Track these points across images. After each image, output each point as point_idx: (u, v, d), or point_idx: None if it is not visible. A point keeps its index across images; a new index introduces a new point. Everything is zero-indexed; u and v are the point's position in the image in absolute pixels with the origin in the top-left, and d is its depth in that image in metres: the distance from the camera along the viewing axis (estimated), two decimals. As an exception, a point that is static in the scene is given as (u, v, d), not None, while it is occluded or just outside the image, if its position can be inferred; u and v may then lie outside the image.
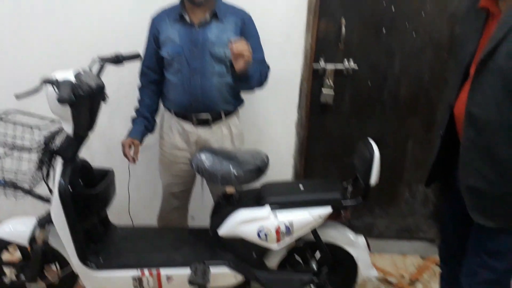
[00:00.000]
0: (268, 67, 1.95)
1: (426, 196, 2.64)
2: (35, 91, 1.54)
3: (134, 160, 2.00)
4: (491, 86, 1.21)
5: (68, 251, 1.76)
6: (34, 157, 1.70)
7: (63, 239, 1.74)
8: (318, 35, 2.30)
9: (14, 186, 1.74)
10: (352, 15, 2.28)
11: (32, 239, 1.81)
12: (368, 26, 2.30)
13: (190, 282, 1.71)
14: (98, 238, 1.89)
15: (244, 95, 2.08)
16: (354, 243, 1.87)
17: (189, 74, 1.86)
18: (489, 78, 1.22)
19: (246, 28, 1.89)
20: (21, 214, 2.01)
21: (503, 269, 1.34)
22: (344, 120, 2.48)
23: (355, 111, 2.46)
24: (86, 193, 1.76)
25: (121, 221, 2.16)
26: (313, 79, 2.36)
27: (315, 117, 2.46)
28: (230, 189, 1.84)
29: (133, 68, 2.02)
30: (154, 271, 1.77)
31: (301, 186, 1.85)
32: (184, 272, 1.76)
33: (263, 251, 1.84)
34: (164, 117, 2.05)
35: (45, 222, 1.79)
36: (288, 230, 1.72)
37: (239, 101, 2.04)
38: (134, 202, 2.25)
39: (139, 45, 1.99)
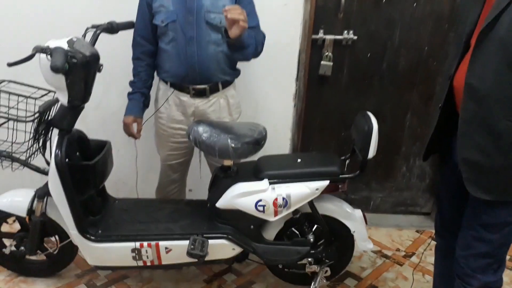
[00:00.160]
0: (263, 35, 1.91)
1: (423, 170, 2.65)
2: (28, 59, 1.52)
3: (138, 137, 2.01)
4: (492, 57, 1.20)
5: (66, 222, 1.77)
6: (30, 128, 1.69)
7: (61, 210, 1.74)
8: (317, 4, 2.25)
9: (10, 157, 1.73)
10: (352, -16, 2.23)
11: (31, 211, 1.82)
12: (368, -5, 2.25)
13: (189, 253, 1.73)
14: (97, 210, 1.89)
15: (242, 67, 2.05)
16: (351, 216, 1.89)
17: (184, 43, 1.82)
18: (489, 49, 1.20)
19: None
20: (19, 187, 2.01)
21: (498, 242, 1.35)
22: (342, 92, 2.46)
23: (353, 83, 2.44)
24: (83, 164, 1.76)
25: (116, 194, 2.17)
26: (311, 50, 2.32)
27: (313, 89, 2.44)
28: (227, 162, 1.83)
29: (128, 38, 1.97)
30: (153, 243, 1.79)
31: (298, 159, 1.85)
32: (183, 243, 1.77)
33: (261, 223, 1.86)
34: (160, 89, 2.01)
35: (43, 194, 1.79)
36: (286, 202, 1.73)
37: (236, 72, 2.01)
38: (129, 175, 2.25)
39: (133, 13, 1.94)
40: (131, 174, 2.23)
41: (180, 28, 1.81)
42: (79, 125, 1.79)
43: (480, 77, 1.23)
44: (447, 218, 1.60)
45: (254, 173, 1.81)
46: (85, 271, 2.12)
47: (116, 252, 1.81)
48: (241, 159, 1.83)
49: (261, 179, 1.76)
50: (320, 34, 2.30)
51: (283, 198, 1.72)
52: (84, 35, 1.75)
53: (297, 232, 1.90)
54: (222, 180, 1.84)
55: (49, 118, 1.73)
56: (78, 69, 1.56)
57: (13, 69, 1.54)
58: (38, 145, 1.76)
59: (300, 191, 1.73)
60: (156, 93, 2.04)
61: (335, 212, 1.88)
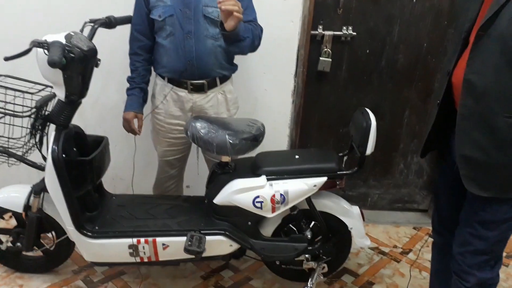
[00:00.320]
0: (261, 29, 1.89)
1: (421, 167, 2.66)
2: (25, 53, 1.51)
3: (139, 132, 2.01)
4: (491, 53, 1.20)
5: (63, 218, 1.76)
6: (27, 123, 1.68)
7: (58, 206, 1.73)
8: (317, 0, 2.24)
9: (6, 152, 1.72)
10: (351, -20, 2.22)
11: (27, 207, 1.81)
12: (368, -9, 2.25)
13: (186, 250, 1.73)
14: (94, 206, 1.89)
15: (240, 63, 2.05)
16: (348, 213, 1.88)
17: (182, 38, 1.81)
18: (489, 45, 1.20)
19: None
20: (15, 182, 2.00)
21: (495, 239, 1.36)
22: (341, 88, 2.46)
23: (352, 80, 2.44)
24: (80, 160, 1.75)
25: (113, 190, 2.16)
26: (310, 46, 2.31)
27: (312, 85, 2.43)
28: (225, 158, 1.83)
29: (127, 33, 1.96)
30: (150, 239, 1.78)
31: (296, 155, 1.85)
32: (180, 240, 1.77)
33: (258, 220, 1.85)
34: (157, 85, 2.00)
35: (40, 189, 1.79)
36: (284, 199, 1.72)
37: (233, 67, 2.00)
38: (127, 171, 2.25)
39: (131, 8, 1.93)
40: (128, 170, 2.22)
41: (177, 23, 1.80)
42: (76, 120, 1.78)
43: (479, 73, 1.23)
44: (444, 215, 1.61)
45: (252, 169, 1.80)
46: (82, 267, 2.12)
47: (113, 248, 1.80)
48: (239, 155, 1.83)
49: (259, 175, 1.76)
50: (319, 30, 2.29)
51: (281, 195, 1.72)
52: (82, 30, 1.73)
53: (295, 229, 1.90)
54: (219, 176, 1.84)
55: (46, 113, 1.72)
56: (76, 64, 1.55)
57: (10, 63, 1.53)
58: (35, 140, 1.75)
59: (298, 188, 1.73)
60: (153, 89, 2.03)
61: (332, 208, 1.88)
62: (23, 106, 1.64)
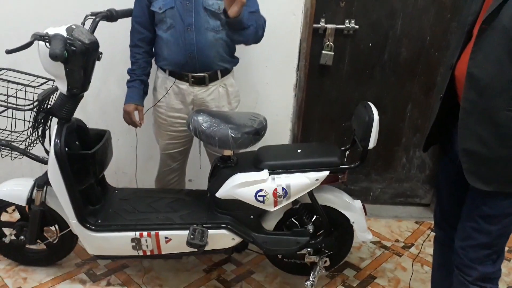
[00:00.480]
0: (264, 20, 1.87)
1: (423, 161, 2.65)
2: (26, 46, 1.50)
3: (140, 124, 2.01)
4: (494, 46, 1.19)
5: (66, 212, 1.77)
6: (29, 117, 1.68)
7: (60, 200, 1.74)
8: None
9: (9, 146, 1.73)
10: (354, -27, 2.21)
11: (30, 200, 1.82)
12: (371, -16, 2.23)
13: (189, 243, 1.74)
14: (96, 200, 1.90)
15: (242, 56, 2.04)
16: (350, 207, 1.89)
17: (183, 30, 1.81)
18: (492, 38, 1.19)
19: None
20: (18, 176, 2.01)
21: (497, 233, 1.35)
22: (343, 82, 2.45)
23: (354, 73, 2.43)
24: (83, 154, 1.75)
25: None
26: (312, 40, 2.30)
27: (314, 79, 2.42)
28: (227, 152, 1.83)
29: (128, 26, 1.96)
30: (152, 233, 1.79)
31: (298, 149, 1.85)
32: (183, 233, 1.78)
33: (260, 213, 1.86)
34: (158, 78, 2.00)
35: (42, 183, 1.79)
36: (286, 193, 1.72)
37: (234, 60, 1.99)
38: (129, 165, 2.25)
39: (133, 1, 1.92)
40: (130, 164, 2.23)
41: (178, 15, 1.79)
42: (78, 114, 1.78)
43: (482, 67, 1.22)
44: (446, 209, 1.60)
45: (254, 163, 1.80)
46: (85, 261, 2.13)
47: (116, 242, 1.81)
48: (241, 149, 1.83)
49: (261, 169, 1.76)
50: (322, 23, 2.28)
51: (283, 189, 1.72)
52: (83, 23, 1.73)
53: (297, 223, 1.90)
54: (222, 170, 1.84)
55: (48, 106, 1.72)
56: (77, 57, 1.55)
57: (12, 57, 1.53)
58: (37, 134, 1.75)
59: (300, 182, 1.73)
60: (154, 82, 2.03)
61: (334, 202, 1.88)
62: (25, 99, 1.65)
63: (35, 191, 1.80)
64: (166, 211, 1.90)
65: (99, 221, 1.82)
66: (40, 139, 1.78)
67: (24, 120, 1.68)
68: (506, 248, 1.45)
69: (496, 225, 1.34)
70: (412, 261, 2.27)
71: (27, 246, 1.97)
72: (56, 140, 1.66)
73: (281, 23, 2.19)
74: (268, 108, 2.37)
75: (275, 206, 1.75)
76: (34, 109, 1.66)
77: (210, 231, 1.79)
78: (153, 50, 1.97)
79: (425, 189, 2.73)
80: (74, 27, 1.57)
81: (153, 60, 2.00)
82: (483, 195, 1.32)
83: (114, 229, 1.80)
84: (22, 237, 1.90)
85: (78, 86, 1.63)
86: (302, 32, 2.25)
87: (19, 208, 1.92)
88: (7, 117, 1.65)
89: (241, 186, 1.74)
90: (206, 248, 1.78)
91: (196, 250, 1.77)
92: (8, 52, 1.50)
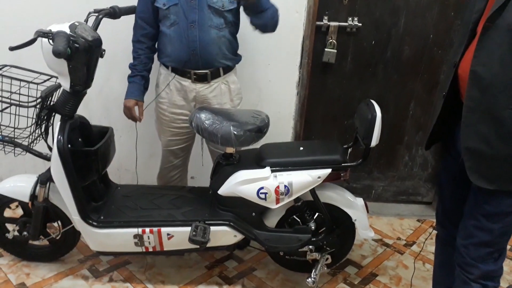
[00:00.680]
0: (276, 9, 1.87)
1: (426, 160, 2.65)
2: (30, 43, 1.51)
3: (140, 120, 2.01)
4: (498, 44, 1.18)
5: (69, 208, 1.77)
6: (32, 113, 1.69)
7: (63, 196, 1.75)
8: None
9: (12, 142, 1.73)
10: (357, -29, 2.20)
11: (33, 197, 1.82)
12: (374, -18, 2.23)
13: (191, 240, 1.74)
14: (99, 196, 1.90)
15: (244, 54, 2.04)
16: (352, 205, 1.89)
17: (186, 27, 1.81)
18: (496, 36, 1.19)
19: None
20: (21, 172, 2.02)
21: (499, 231, 1.35)
22: (346, 80, 2.45)
23: (357, 71, 2.43)
24: (86, 150, 1.76)
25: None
26: (315, 37, 2.30)
27: (317, 77, 2.42)
28: (230, 150, 1.83)
29: (131, 23, 1.96)
30: (155, 229, 1.80)
31: (301, 147, 1.85)
32: (185, 230, 1.78)
33: (262, 211, 1.86)
34: (161, 74, 2.00)
35: (46, 179, 1.80)
36: (288, 190, 1.73)
37: (237, 57, 2.00)
38: (132, 162, 2.26)
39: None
40: (133, 161, 2.23)
41: (182, 12, 1.80)
42: (81, 111, 1.79)
43: (486, 65, 1.21)
44: (448, 207, 1.60)
45: (256, 160, 1.80)
46: (87, 257, 2.14)
47: (118, 238, 1.82)
48: (243, 146, 1.83)
49: (263, 166, 1.76)
50: (325, 21, 2.28)
51: (285, 186, 1.72)
52: (86, 20, 1.73)
53: (299, 220, 1.91)
54: (224, 167, 1.84)
55: (51, 103, 1.73)
56: (80, 54, 1.56)
57: (15, 54, 1.54)
58: (41, 130, 1.76)
59: (302, 179, 1.73)
60: (157, 78, 2.03)
61: (336, 200, 1.88)
62: (28, 96, 1.65)
63: (38, 187, 1.81)
64: (168, 207, 1.91)
65: (102, 217, 1.82)
66: (43, 135, 1.78)
67: (27, 117, 1.69)
68: (508, 247, 1.45)
69: (498, 223, 1.34)
70: (414, 259, 2.27)
71: (30, 242, 1.98)
72: (59, 136, 1.67)
73: (283, 20, 2.17)
74: (270, 105, 2.37)
75: (277, 203, 1.75)
76: (37, 106, 1.66)
77: (212, 228, 1.80)
78: (156, 46, 1.97)
79: (427, 187, 2.73)
80: (77, 24, 1.57)
81: (155, 56, 2.01)
82: (486, 194, 1.32)
83: (116, 226, 1.81)
84: (25, 233, 1.91)
85: (81, 83, 1.63)
86: (305, 30, 2.25)
87: (22, 204, 1.93)
88: (10, 113, 1.65)
89: (243, 183, 1.74)
90: (208, 245, 1.79)
91: (198, 246, 1.78)
92: (12, 49, 1.50)
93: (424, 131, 2.55)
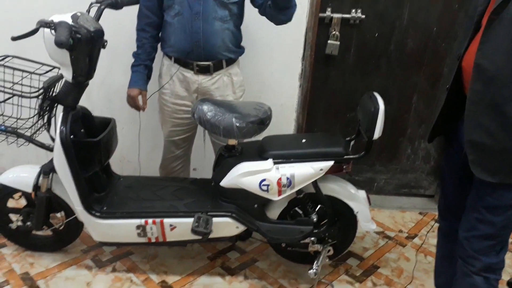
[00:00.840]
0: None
1: (428, 153, 2.64)
2: (32, 33, 1.51)
3: (144, 109, 2.01)
4: (503, 37, 1.18)
5: (72, 199, 1.78)
6: (35, 104, 1.69)
7: (66, 187, 1.75)
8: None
9: (15, 133, 1.74)
10: (361, -38, 2.18)
11: (36, 187, 1.83)
12: (378, -27, 2.21)
13: (193, 231, 1.75)
14: (102, 187, 1.91)
15: (247, 46, 2.03)
16: (354, 197, 1.89)
17: (190, 18, 1.80)
18: (501, 29, 1.18)
19: None
20: (24, 163, 2.02)
21: (501, 224, 1.36)
22: (349, 72, 2.44)
23: (360, 63, 2.42)
24: (88, 141, 1.76)
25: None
26: (318, 29, 2.29)
27: (319, 69, 2.41)
28: (232, 141, 1.83)
29: (133, 14, 1.95)
30: (157, 220, 1.80)
31: (303, 139, 1.85)
32: (187, 221, 1.79)
33: (265, 203, 1.86)
34: (164, 64, 2.00)
35: (48, 170, 1.80)
36: (290, 182, 1.73)
37: (240, 50, 1.99)
38: (134, 153, 2.26)
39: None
40: (135, 152, 2.24)
41: (186, 3, 1.79)
42: (83, 102, 1.79)
43: (490, 58, 1.21)
44: (450, 200, 1.60)
45: (258, 152, 1.81)
46: (90, 247, 2.15)
47: (121, 229, 1.83)
48: (246, 138, 1.83)
49: (265, 158, 1.76)
50: (328, 13, 2.26)
51: (287, 178, 1.72)
52: (88, 10, 1.73)
53: (301, 212, 1.91)
54: (226, 159, 1.84)
55: (54, 94, 1.73)
56: (83, 45, 1.55)
57: (17, 44, 1.53)
58: (43, 121, 1.76)
59: (304, 171, 1.73)
60: (160, 69, 2.03)
61: (339, 192, 1.88)
62: (30, 86, 1.65)
63: (41, 178, 1.81)
64: (171, 199, 1.91)
65: (105, 208, 1.83)
66: (46, 126, 1.79)
67: (30, 108, 1.69)
68: (510, 240, 1.45)
69: (500, 216, 1.34)
70: (416, 251, 2.28)
71: (34, 232, 1.99)
72: (62, 127, 1.67)
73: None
74: (273, 97, 2.36)
75: (279, 195, 1.76)
76: (40, 97, 1.66)
77: (215, 219, 1.80)
78: (160, 35, 1.97)
79: (430, 180, 2.73)
80: (79, 14, 1.57)
81: (158, 46, 2.00)
82: (488, 186, 1.32)
83: (119, 216, 1.82)
84: (28, 223, 1.92)
85: (83, 73, 1.63)
86: (307, 22, 2.24)
87: (25, 194, 1.94)
88: (13, 104, 1.66)
89: (246, 175, 1.74)
90: (211, 236, 1.80)
91: (200, 237, 1.79)
92: (14, 39, 1.50)
93: (427, 124, 2.54)
